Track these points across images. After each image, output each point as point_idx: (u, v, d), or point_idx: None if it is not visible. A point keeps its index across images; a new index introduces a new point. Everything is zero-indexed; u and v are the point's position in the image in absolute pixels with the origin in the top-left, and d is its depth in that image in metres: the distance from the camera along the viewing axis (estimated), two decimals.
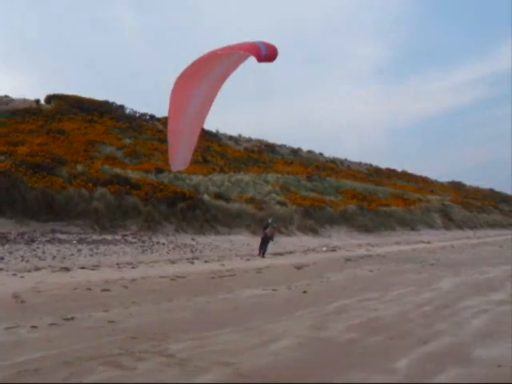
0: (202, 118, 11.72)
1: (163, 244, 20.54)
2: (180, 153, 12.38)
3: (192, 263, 17.06)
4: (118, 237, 20.51)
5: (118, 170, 28.80)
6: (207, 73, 10.44)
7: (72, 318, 9.16)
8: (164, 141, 40.76)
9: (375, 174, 79.32)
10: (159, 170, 32.12)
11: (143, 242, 20.30)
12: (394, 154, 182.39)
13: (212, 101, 11.32)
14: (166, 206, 24.87)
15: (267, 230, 20.92)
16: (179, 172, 29.42)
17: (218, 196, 29.25)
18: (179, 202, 25.43)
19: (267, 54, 9.15)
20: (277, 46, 9.65)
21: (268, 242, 20.74)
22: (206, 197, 28.14)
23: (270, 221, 21.51)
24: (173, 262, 16.98)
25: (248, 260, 18.99)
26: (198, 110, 11.30)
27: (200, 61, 9.96)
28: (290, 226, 30.14)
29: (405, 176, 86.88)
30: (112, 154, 36.65)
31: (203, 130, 52.57)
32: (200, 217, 25.48)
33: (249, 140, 69.23)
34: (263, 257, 20.00)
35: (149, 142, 44.32)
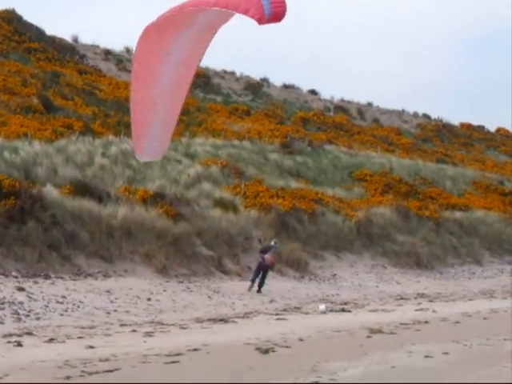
0: (184, 86, 9.42)
1: None
2: (151, 137, 9.64)
3: (18, 345, 12.69)
4: None
5: None
6: (186, 24, 8.57)
7: None
8: None
9: (437, 137, 51.96)
10: None
11: None
12: (481, 98, 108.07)
13: (196, 66, 9.30)
14: None
15: (266, 255, 19.71)
16: None
17: (80, 189, 21.92)
18: None
19: (272, 12, 7.36)
20: None
21: (267, 272, 19.86)
22: (50, 190, 21.20)
23: (273, 243, 20.46)
24: None
25: (150, 334, 13.72)
26: (176, 77, 9.23)
27: (174, 13, 8.26)
28: (245, 257, 22.73)
29: (504, 142, 56.16)
30: None
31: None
32: (37, 236, 19.04)
33: None
34: (258, 291, 19.33)
35: None
